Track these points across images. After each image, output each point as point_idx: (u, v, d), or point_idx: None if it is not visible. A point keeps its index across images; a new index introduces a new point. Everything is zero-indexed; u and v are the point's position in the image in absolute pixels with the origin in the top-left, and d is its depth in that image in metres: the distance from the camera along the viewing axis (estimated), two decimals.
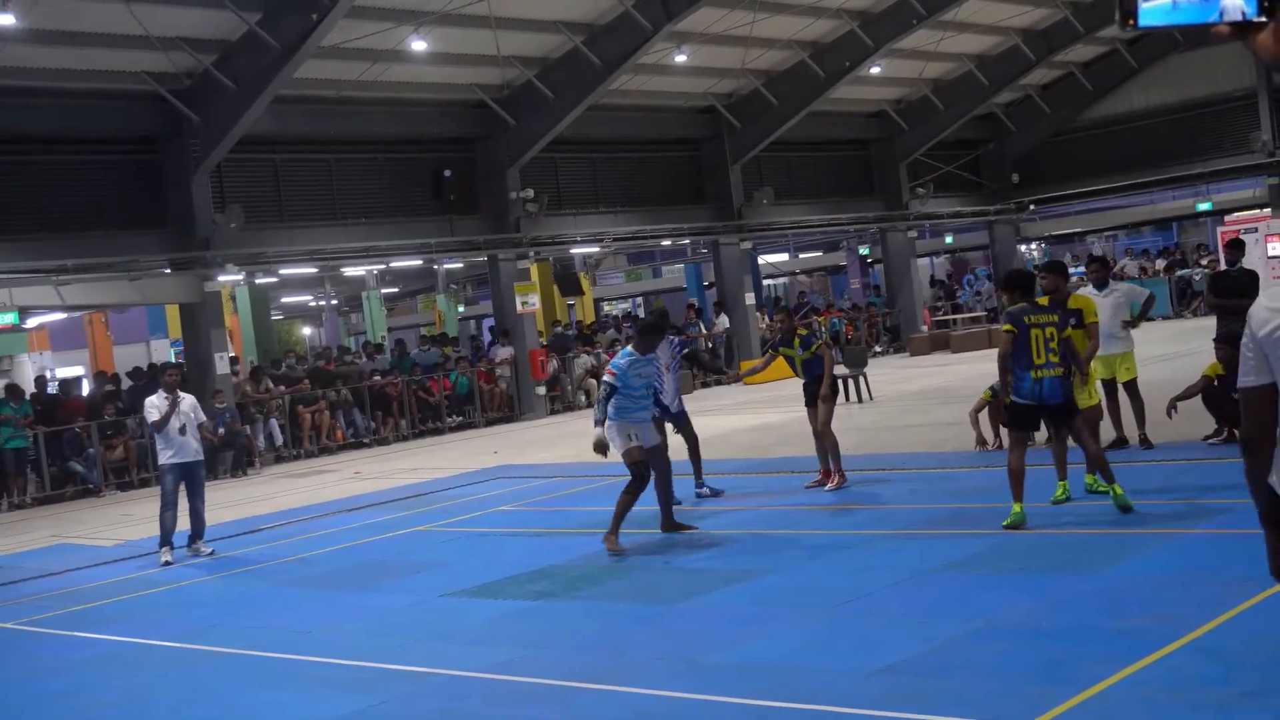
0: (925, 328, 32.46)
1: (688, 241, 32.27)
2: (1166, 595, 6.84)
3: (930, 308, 35.76)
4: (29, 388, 22.17)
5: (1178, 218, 38.98)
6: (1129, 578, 7.30)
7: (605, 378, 10.24)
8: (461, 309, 40.10)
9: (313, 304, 42.14)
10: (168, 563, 11.89)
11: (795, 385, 12.34)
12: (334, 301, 41.48)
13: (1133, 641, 5.96)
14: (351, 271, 28.24)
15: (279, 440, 21.89)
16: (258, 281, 27.51)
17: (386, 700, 6.67)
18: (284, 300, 40.37)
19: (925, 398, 19.67)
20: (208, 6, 18.67)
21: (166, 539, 12.05)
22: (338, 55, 20.68)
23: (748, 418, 19.84)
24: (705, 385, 26.99)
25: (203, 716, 6.85)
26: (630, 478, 10.00)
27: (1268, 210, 28.86)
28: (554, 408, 25.52)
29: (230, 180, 22.02)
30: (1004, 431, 11.73)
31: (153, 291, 22.08)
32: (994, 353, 10.21)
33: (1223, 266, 14.82)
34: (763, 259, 38.02)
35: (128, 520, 15.55)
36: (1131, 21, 2.51)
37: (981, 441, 12.76)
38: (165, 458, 12.08)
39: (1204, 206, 34.16)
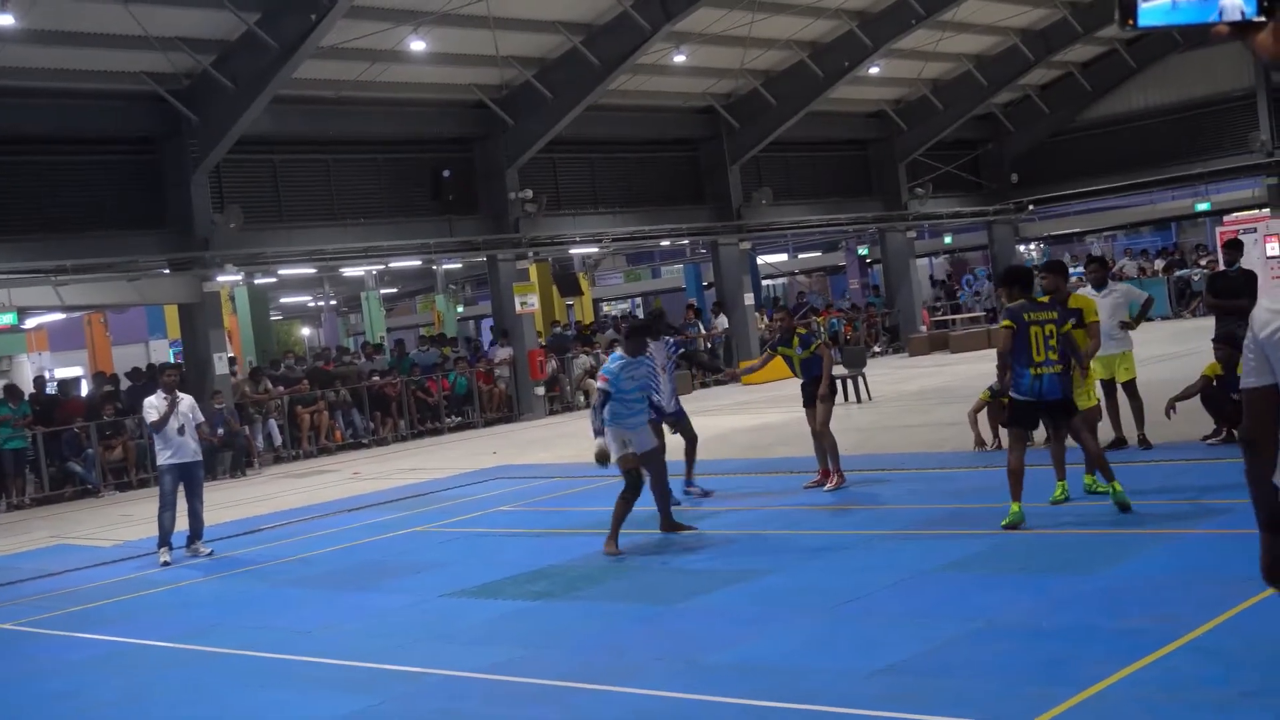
0: (924, 328, 32.47)
1: (686, 242, 32.28)
2: (1166, 595, 6.84)
3: (929, 308, 35.78)
4: (28, 388, 22.16)
5: (1176, 218, 39.01)
6: (1128, 578, 7.31)
7: (598, 384, 10.15)
8: (460, 309, 40.12)
9: (311, 304, 42.12)
10: (166, 563, 11.89)
11: (794, 385, 12.34)
12: (333, 302, 41.46)
13: (1132, 641, 5.96)
14: (350, 272, 28.23)
15: (278, 441, 21.89)
16: (257, 282, 27.51)
17: (386, 700, 6.67)
18: (283, 301, 40.36)
19: (924, 398, 19.67)
20: (206, 7, 18.67)
21: (165, 539, 12.04)
22: (336, 55, 20.67)
23: (747, 418, 19.84)
24: (704, 385, 26.98)
25: (202, 717, 6.85)
26: (625, 485, 9.98)
27: (1266, 210, 28.87)
28: (553, 408, 25.52)
29: (229, 180, 22.02)
30: (1003, 432, 11.75)
31: (151, 292, 22.08)
32: (993, 353, 10.22)
33: (1221, 267, 14.82)
34: (762, 259, 38.03)
35: (127, 521, 15.54)
36: (1131, 21, 2.51)
37: (980, 442, 12.77)
38: (164, 458, 12.07)
39: (1203, 207, 34.18)
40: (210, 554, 12.18)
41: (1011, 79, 31.37)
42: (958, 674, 5.91)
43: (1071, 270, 20.10)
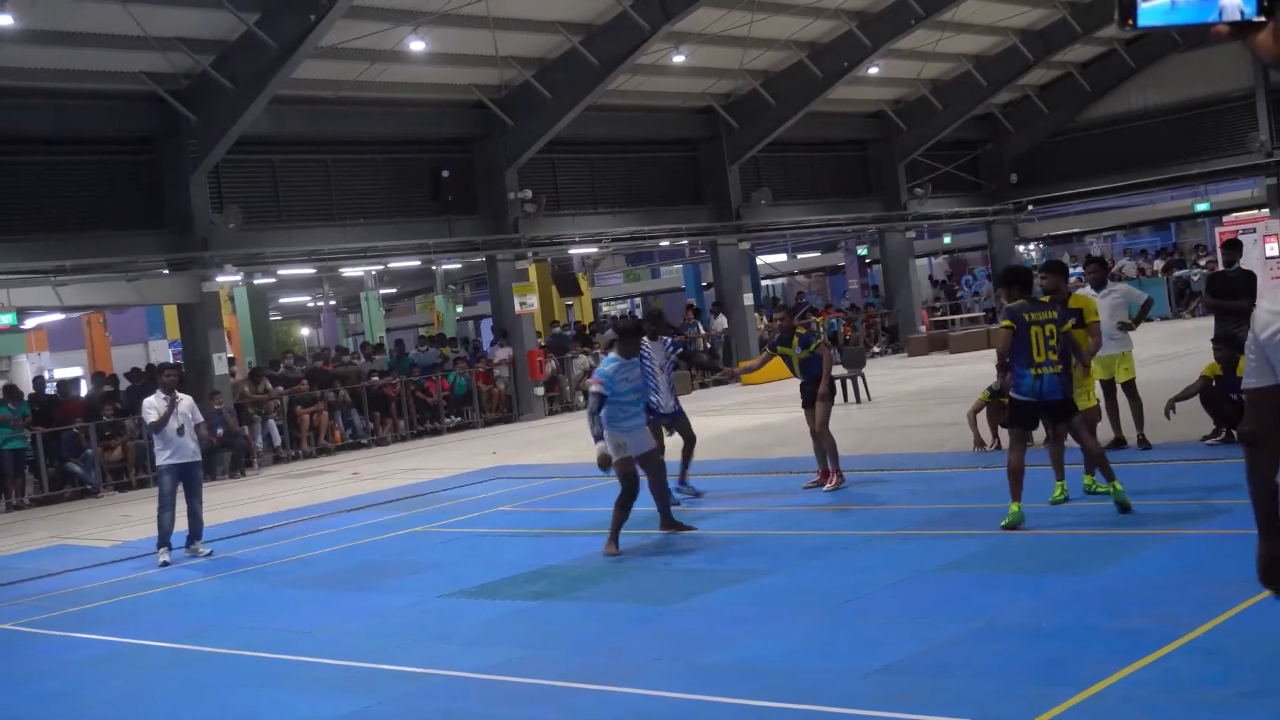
0: (923, 328, 32.47)
1: (686, 242, 32.27)
2: (1165, 595, 6.84)
3: (928, 308, 35.77)
4: (27, 388, 22.17)
5: (1176, 218, 39.03)
6: (1128, 578, 7.31)
7: (592, 387, 10.09)
8: (460, 310, 40.11)
9: (311, 305, 42.12)
10: (166, 563, 11.88)
11: (794, 386, 12.33)
12: (332, 302, 41.45)
13: (1132, 642, 5.96)
14: (350, 272, 28.22)
15: (277, 441, 21.89)
16: (256, 282, 27.50)
17: (385, 700, 6.66)
18: (282, 301, 40.36)
19: (923, 398, 19.67)
20: (206, 7, 18.67)
21: (164, 539, 12.04)
22: (336, 56, 20.67)
23: (746, 418, 19.84)
24: (704, 386, 26.99)
25: (201, 717, 6.85)
26: (621, 489, 9.96)
27: (1266, 211, 28.88)
28: (552, 408, 25.51)
29: (228, 181, 22.01)
30: (1002, 432, 11.76)
31: (151, 292, 22.08)
32: (992, 353, 10.21)
33: (1220, 267, 14.82)
34: (761, 259, 38.02)
35: (126, 521, 15.54)
36: (1130, 21, 2.50)
37: (979, 442, 12.77)
38: (163, 458, 12.07)
39: (1202, 207, 34.19)
40: (209, 554, 12.18)
41: (1011, 79, 31.38)
42: (957, 674, 5.91)
43: (1070, 271, 20.12)
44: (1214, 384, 10.92)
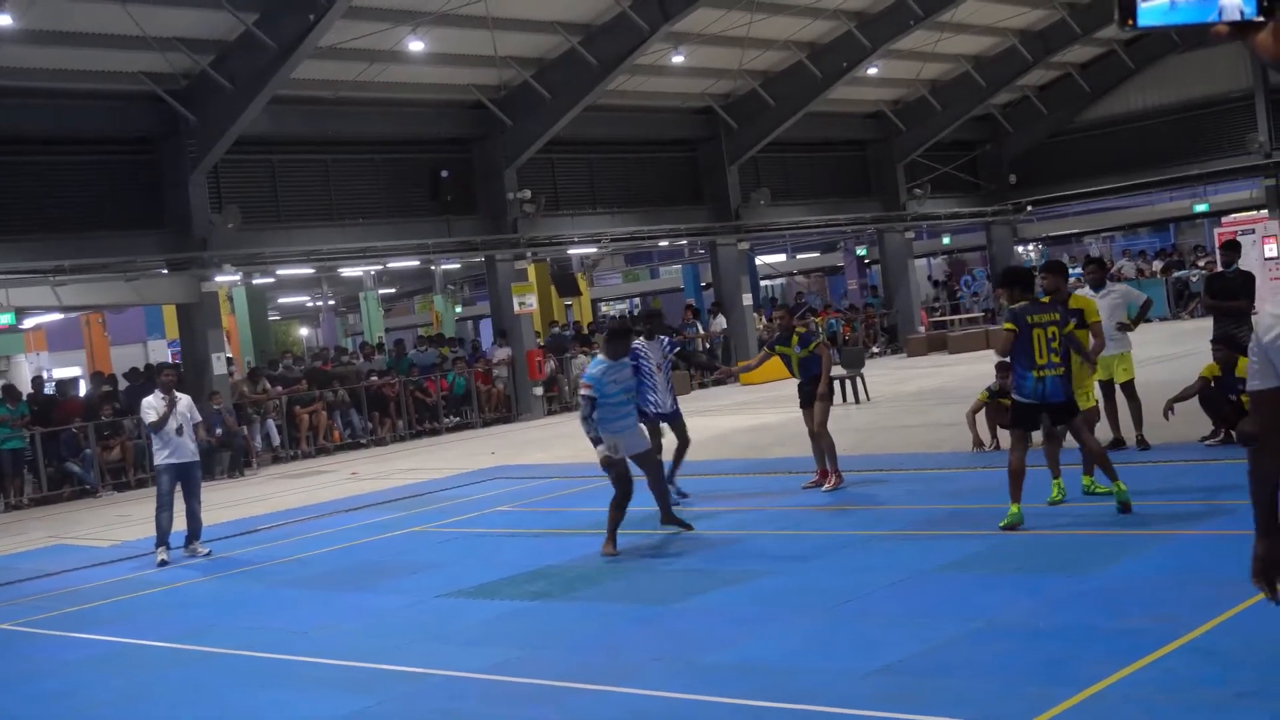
0: (922, 328, 32.48)
1: (685, 242, 32.26)
2: (1164, 596, 6.84)
3: (928, 308, 35.77)
4: (26, 388, 22.15)
5: (1175, 219, 39.03)
6: (1127, 578, 7.31)
7: (582, 391, 10.01)
8: (459, 310, 40.12)
9: (310, 304, 42.14)
10: (164, 563, 11.88)
11: (792, 386, 12.33)
12: (331, 302, 41.47)
13: (1131, 642, 5.97)
14: (348, 272, 28.22)
15: (276, 441, 21.88)
16: (255, 282, 27.50)
17: (383, 700, 6.66)
18: (281, 301, 40.36)
19: (922, 398, 19.67)
20: (205, 7, 18.66)
21: (163, 539, 12.04)
22: (335, 56, 20.66)
23: (745, 418, 19.84)
24: (703, 386, 26.99)
25: (200, 717, 6.84)
26: (615, 491, 9.94)
27: (1264, 211, 28.89)
28: (551, 408, 25.51)
29: (227, 181, 22.00)
30: (1001, 433, 11.76)
31: (150, 292, 22.06)
32: (992, 354, 10.21)
33: (1219, 268, 14.83)
34: (760, 260, 38.02)
35: (124, 521, 15.53)
36: (1130, 21, 2.50)
37: (979, 443, 12.77)
38: (161, 458, 12.06)
39: (1201, 208, 34.19)
40: (208, 554, 12.18)
41: (1010, 80, 31.37)
42: (956, 674, 5.91)
43: (1069, 271, 20.11)
44: (1213, 385, 10.92)
